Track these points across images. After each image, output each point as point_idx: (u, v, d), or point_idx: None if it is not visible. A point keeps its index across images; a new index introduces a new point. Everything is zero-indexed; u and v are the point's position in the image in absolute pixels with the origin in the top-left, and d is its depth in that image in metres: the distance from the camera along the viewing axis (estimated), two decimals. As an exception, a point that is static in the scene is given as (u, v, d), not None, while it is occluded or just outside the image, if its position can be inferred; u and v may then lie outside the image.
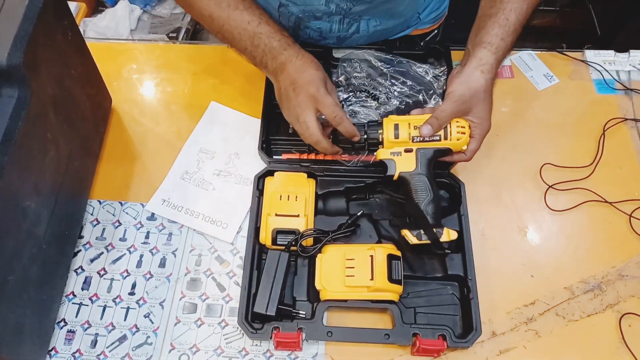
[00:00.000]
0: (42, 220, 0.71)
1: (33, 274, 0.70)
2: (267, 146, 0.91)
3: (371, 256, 0.76)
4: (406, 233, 0.76)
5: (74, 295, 0.81)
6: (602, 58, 1.03)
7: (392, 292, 0.75)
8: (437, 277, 0.80)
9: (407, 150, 0.78)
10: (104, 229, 0.86)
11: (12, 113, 0.61)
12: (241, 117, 0.96)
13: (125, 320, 0.79)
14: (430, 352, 0.74)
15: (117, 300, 0.80)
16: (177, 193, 0.88)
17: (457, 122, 0.77)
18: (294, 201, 0.82)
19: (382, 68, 0.94)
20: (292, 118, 0.80)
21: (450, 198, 0.87)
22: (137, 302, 0.80)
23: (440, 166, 0.84)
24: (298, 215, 0.81)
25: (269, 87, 0.94)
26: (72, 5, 1.87)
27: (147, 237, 0.85)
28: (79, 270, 0.82)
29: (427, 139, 0.77)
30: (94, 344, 0.77)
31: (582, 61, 1.03)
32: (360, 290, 0.75)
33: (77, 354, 0.76)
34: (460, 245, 0.81)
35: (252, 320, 0.75)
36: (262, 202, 0.84)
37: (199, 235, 0.85)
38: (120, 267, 0.83)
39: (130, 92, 1.00)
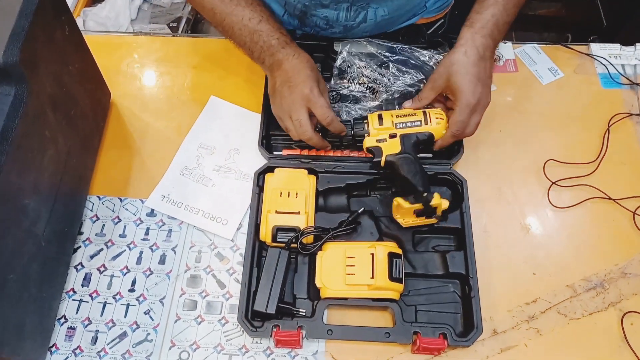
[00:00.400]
0: (41, 218, 0.70)
1: (33, 272, 0.69)
2: (267, 142, 0.90)
3: (372, 254, 0.76)
4: (399, 200, 0.78)
5: (74, 292, 0.80)
6: (608, 51, 1.01)
7: (393, 290, 0.75)
8: (439, 274, 0.80)
9: (392, 136, 0.81)
10: (103, 225, 0.85)
11: (9, 112, 0.61)
12: (241, 112, 0.95)
13: (125, 317, 0.79)
14: (431, 350, 0.74)
15: (117, 296, 0.80)
16: (177, 189, 0.88)
17: (434, 110, 0.83)
18: (294, 198, 0.81)
19: (383, 57, 0.93)
20: (284, 114, 0.82)
21: (452, 195, 0.86)
22: (137, 299, 0.80)
23: (441, 155, 0.87)
24: (298, 213, 0.80)
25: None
26: (72, -5, 1.85)
27: (146, 233, 0.85)
28: (79, 267, 0.82)
29: (409, 124, 0.81)
30: (95, 340, 0.77)
31: (588, 55, 1.01)
32: (360, 288, 0.75)
33: (77, 351, 0.76)
34: (462, 243, 0.80)
35: (252, 318, 0.75)
36: (262, 198, 0.83)
37: (198, 232, 0.85)
38: (120, 264, 0.83)
39: (130, 87, 0.99)
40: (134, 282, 0.81)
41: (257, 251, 0.80)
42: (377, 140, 0.81)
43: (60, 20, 0.73)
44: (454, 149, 0.88)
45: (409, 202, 0.77)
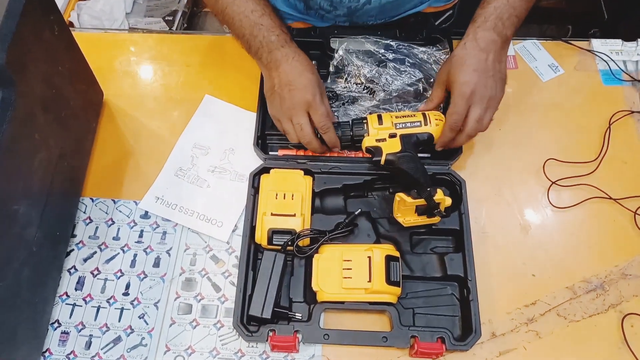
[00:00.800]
0: (32, 223, 0.69)
1: (24, 278, 0.68)
2: (262, 142, 0.88)
3: (369, 257, 0.75)
4: (401, 195, 0.76)
5: (68, 296, 0.79)
6: (609, 47, 1.00)
7: (390, 294, 0.74)
8: (437, 277, 0.79)
9: (392, 136, 0.79)
10: (97, 228, 0.84)
11: (-4, 116, 0.59)
12: (236, 111, 0.94)
13: (119, 321, 0.78)
14: (429, 355, 0.73)
15: (111, 300, 0.79)
16: (171, 190, 0.86)
17: (434, 113, 0.81)
18: (290, 200, 0.80)
19: (381, 55, 0.91)
20: (282, 116, 0.81)
21: (451, 196, 0.84)
22: (131, 303, 0.79)
23: (439, 155, 0.85)
24: (294, 215, 0.79)
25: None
26: (66, -11, 1.83)
27: (140, 235, 0.84)
28: (72, 270, 0.81)
29: (409, 125, 0.79)
30: (89, 345, 0.76)
31: (589, 51, 1.00)
32: (357, 292, 0.74)
33: (71, 356, 0.75)
34: (461, 245, 0.79)
35: (248, 322, 0.74)
36: (258, 200, 0.82)
37: (193, 234, 0.84)
38: (114, 267, 0.81)
39: (123, 85, 0.97)
40: (128, 286, 0.80)
41: (252, 254, 0.79)
42: (377, 140, 0.80)
43: (49, 20, 0.71)
44: (453, 149, 0.86)
45: (411, 197, 0.75)
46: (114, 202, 0.86)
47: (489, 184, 0.88)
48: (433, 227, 0.81)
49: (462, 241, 0.79)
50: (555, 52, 1.00)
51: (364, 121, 0.81)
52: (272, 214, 0.79)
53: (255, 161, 0.88)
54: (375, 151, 0.79)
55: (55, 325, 0.77)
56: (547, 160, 0.89)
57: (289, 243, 0.77)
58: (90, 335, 0.77)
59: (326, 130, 0.79)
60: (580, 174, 0.88)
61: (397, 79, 0.89)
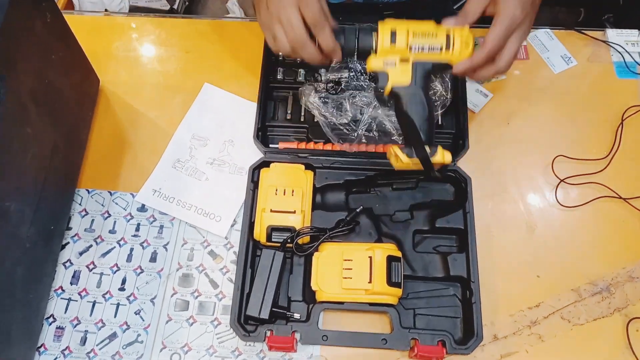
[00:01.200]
0: (25, 220, 0.67)
1: (18, 276, 0.67)
2: (262, 134, 0.86)
3: (370, 257, 0.73)
4: (396, 150, 0.70)
5: (63, 290, 0.78)
6: (625, 38, 0.96)
7: (391, 295, 0.72)
8: (439, 277, 0.77)
9: (403, 60, 0.69)
10: (92, 220, 0.83)
11: (-17, 113, 0.57)
12: (236, 100, 0.91)
13: (115, 317, 0.77)
14: (429, 358, 0.71)
15: (107, 295, 0.78)
16: (169, 183, 0.84)
17: (461, 33, 0.67)
18: (290, 196, 0.78)
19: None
20: (271, 19, 0.68)
21: (456, 193, 0.82)
22: (127, 298, 0.78)
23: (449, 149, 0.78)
24: (294, 212, 0.77)
25: (266, 68, 0.89)
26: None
27: (137, 229, 0.82)
28: (68, 264, 0.80)
29: (427, 49, 0.68)
30: (84, 341, 0.75)
31: (603, 41, 0.96)
32: (357, 292, 0.72)
33: (66, 352, 0.75)
34: (464, 245, 0.77)
35: (245, 322, 0.73)
36: (257, 195, 0.80)
37: (191, 228, 0.82)
38: (109, 261, 0.80)
39: (120, 72, 0.94)
40: (124, 281, 0.79)
41: (250, 251, 0.77)
42: (385, 63, 0.69)
43: (40, 8, 0.68)
44: (459, 143, 0.84)
45: (406, 154, 0.69)
46: (111, 194, 0.84)
47: (495, 181, 0.85)
48: (437, 226, 0.79)
49: (466, 241, 0.77)
50: (568, 42, 0.96)
51: (373, 32, 0.68)
52: (271, 210, 0.77)
53: (255, 153, 0.85)
54: (380, 77, 0.69)
55: (50, 320, 0.76)
56: (557, 157, 0.86)
57: (289, 241, 0.75)
58: (85, 330, 0.76)
59: (320, 29, 0.66)
60: (590, 171, 0.85)
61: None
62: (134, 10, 1.91)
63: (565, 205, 0.83)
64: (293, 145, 0.84)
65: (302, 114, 0.87)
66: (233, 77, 0.93)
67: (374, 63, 0.70)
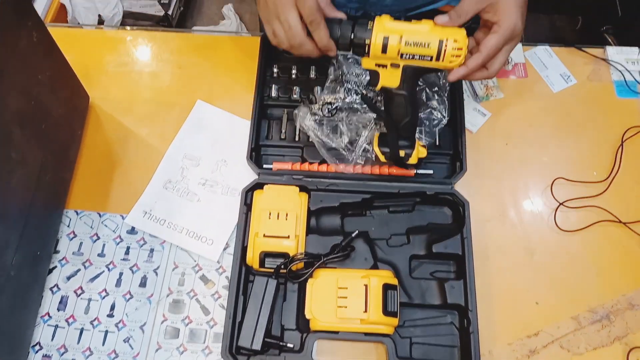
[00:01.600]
0: (9, 246, 0.65)
1: (2, 305, 0.65)
2: (256, 154, 0.84)
3: (365, 285, 0.71)
4: (376, 147, 0.78)
5: (50, 317, 0.76)
6: (625, 56, 0.94)
7: (387, 325, 0.71)
8: (436, 305, 0.75)
9: (394, 65, 0.70)
10: (81, 243, 0.80)
11: (-36, 142, 0.54)
12: (229, 119, 0.89)
13: (103, 345, 0.74)
14: (425, 389, 0.70)
15: (95, 322, 0.76)
16: (160, 204, 0.82)
17: (455, 41, 0.67)
18: (284, 220, 0.76)
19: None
20: (270, 15, 0.69)
21: (453, 217, 0.81)
22: (116, 325, 0.76)
23: (441, 171, 0.81)
24: (288, 237, 0.75)
25: (260, 85, 0.87)
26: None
27: (127, 252, 0.80)
28: (55, 289, 0.77)
29: (418, 58, 0.68)
30: (71, 369, 0.73)
31: (603, 59, 0.94)
32: (352, 322, 0.71)
33: (53, 381, 0.73)
34: (462, 272, 0.75)
35: (237, 352, 0.71)
36: (250, 218, 0.78)
37: (182, 252, 0.80)
38: (98, 286, 0.78)
39: (110, 88, 0.92)
40: (112, 307, 0.77)
41: (243, 277, 0.75)
42: (377, 65, 0.70)
43: (26, 27, 0.66)
44: (456, 165, 0.82)
45: (384, 156, 0.78)
46: (100, 216, 0.82)
47: (493, 204, 0.84)
48: (434, 251, 0.77)
49: (463, 267, 0.75)
50: (567, 59, 0.94)
51: (368, 32, 0.68)
52: (264, 235, 0.75)
53: (248, 174, 0.84)
54: (371, 75, 0.72)
55: (37, 348, 0.74)
56: (556, 179, 0.84)
57: (282, 267, 0.74)
58: (72, 359, 0.74)
59: (315, 27, 0.67)
60: (590, 194, 0.84)
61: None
62: (128, 16, 1.88)
63: (564, 230, 0.82)
64: (287, 165, 0.82)
65: (297, 133, 0.85)
66: (226, 94, 0.91)
67: (366, 63, 0.71)
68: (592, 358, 0.74)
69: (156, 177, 0.84)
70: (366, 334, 0.71)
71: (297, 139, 0.85)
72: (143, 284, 0.78)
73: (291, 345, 0.72)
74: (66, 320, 0.76)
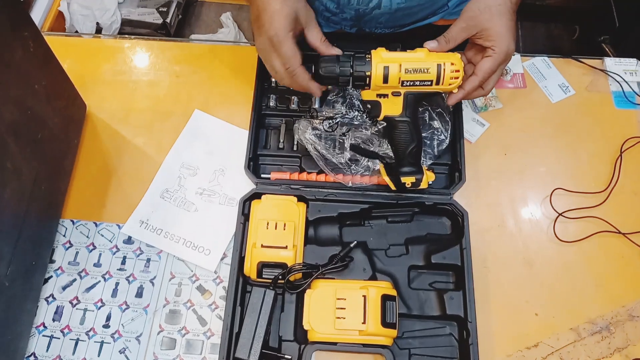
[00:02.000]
0: (3, 258, 0.64)
1: (-5, 317, 0.64)
2: (254, 164, 0.83)
3: (364, 296, 0.71)
4: (386, 179, 0.77)
5: (45, 327, 0.75)
6: (623, 67, 0.94)
7: (386, 336, 0.70)
8: (435, 316, 0.75)
9: (395, 94, 0.72)
10: (77, 253, 0.80)
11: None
12: (227, 128, 0.88)
13: (99, 356, 0.74)
14: (424, 402, 0.69)
15: (91, 333, 0.75)
16: (156, 214, 0.82)
17: (452, 64, 0.70)
18: (281, 230, 0.75)
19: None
20: (264, 60, 0.73)
21: (452, 227, 0.80)
22: (112, 336, 0.75)
23: (440, 182, 0.82)
24: (286, 247, 0.74)
25: (258, 95, 0.86)
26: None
27: (123, 262, 0.79)
28: (50, 299, 0.77)
29: (418, 84, 0.70)
30: (66, 381, 0.72)
31: (602, 70, 0.94)
32: (351, 333, 0.70)
33: (47, 393, 0.72)
34: (461, 283, 0.75)
35: (234, 363, 0.70)
36: (248, 228, 0.77)
37: (179, 262, 0.79)
38: (94, 296, 0.77)
39: (108, 96, 0.91)
40: (108, 317, 0.76)
41: (240, 288, 0.74)
42: (378, 95, 0.72)
43: (22, 38, 0.66)
44: (455, 175, 0.82)
45: (390, 179, 0.76)
46: (96, 225, 0.82)
47: (492, 214, 0.83)
48: (433, 262, 0.77)
49: (462, 278, 0.75)
50: (566, 70, 0.94)
51: (367, 64, 0.69)
52: (262, 246, 0.74)
53: (246, 183, 0.83)
54: (373, 106, 0.73)
55: (32, 358, 0.73)
56: (555, 189, 0.84)
57: (280, 277, 0.73)
58: (67, 370, 0.73)
59: (291, 74, 0.70)
60: (589, 205, 0.84)
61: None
62: (126, 23, 1.88)
63: (563, 240, 0.81)
64: (285, 175, 0.82)
65: (295, 143, 0.85)
66: (224, 103, 0.91)
67: (367, 95, 0.73)
68: (592, 370, 0.74)
69: (153, 187, 0.84)
70: (365, 345, 0.71)
71: (295, 148, 0.85)
72: (139, 294, 0.77)
73: (289, 357, 0.71)
74: (61, 331, 0.75)
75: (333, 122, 0.82)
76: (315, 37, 0.73)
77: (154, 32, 1.89)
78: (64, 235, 0.81)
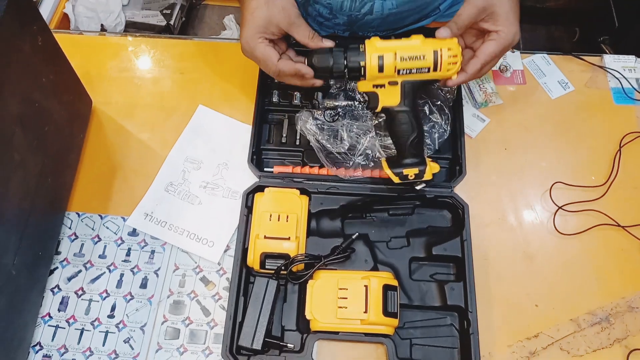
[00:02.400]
0: (9, 248, 0.65)
1: (2, 306, 0.65)
2: (257, 158, 0.84)
3: (365, 286, 0.71)
4: (388, 172, 0.75)
5: (50, 317, 0.76)
6: (622, 64, 0.95)
7: (387, 325, 0.71)
8: (436, 306, 0.76)
9: (392, 83, 0.71)
10: (82, 245, 0.81)
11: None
12: (231, 123, 0.90)
13: (103, 345, 0.75)
14: (426, 391, 0.70)
15: (96, 323, 0.76)
16: (161, 207, 0.83)
17: (449, 49, 0.69)
18: (284, 222, 0.76)
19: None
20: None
21: (453, 220, 0.81)
22: (116, 326, 0.76)
23: (441, 176, 0.82)
24: (289, 238, 0.75)
25: (262, 90, 0.88)
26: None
27: (128, 254, 0.80)
28: (56, 290, 0.78)
29: (415, 71, 0.69)
30: (71, 370, 0.73)
31: (600, 67, 0.95)
32: (352, 322, 0.71)
33: (52, 381, 0.73)
34: (462, 274, 0.76)
35: (237, 352, 0.71)
36: (251, 220, 0.78)
37: (183, 254, 0.80)
38: (99, 287, 0.78)
39: (113, 92, 0.93)
40: (113, 308, 0.77)
41: (244, 279, 0.75)
42: (374, 86, 0.71)
43: (31, 32, 0.67)
44: (455, 169, 0.83)
45: (392, 172, 0.74)
46: (101, 218, 0.83)
47: (492, 208, 0.84)
48: (434, 254, 0.78)
49: (463, 269, 0.75)
50: (565, 67, 0.96)
51: (361, 55, 0.69)
52: (265, 237, 0.75)
53: (249, 177, 0.84)
54: (370, 98, 0.73)
55: (37, 348, 0.74)
56: (555, 183, 0.85)
57: (283, 268, 0.74)
58: (72, 359, 0.74)
59: (277, 73, 0.74)
60: (589, 198, 0.84)
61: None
62: (130, 25, 1.90)
63: (563, 233, 0.82)
64: (288, 169, 0.83)
65: (298, 137, 0.86)
66: (228, 99, 0.92)
67: (364, 86, 0.73)
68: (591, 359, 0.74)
69: (158, 180, 0.85)
70: (366, 334, 0.72)
71: (297, 142, 0.86)
72: (144, 285, 0.78)
73: (291, 346, 0.72)
74: (67, 321, 0.76)
75: (334, 112, 0.83)
76: (302, 35, 0.74)
77: (157, 35, 1.90)
78: (70, 228, 0.82)
